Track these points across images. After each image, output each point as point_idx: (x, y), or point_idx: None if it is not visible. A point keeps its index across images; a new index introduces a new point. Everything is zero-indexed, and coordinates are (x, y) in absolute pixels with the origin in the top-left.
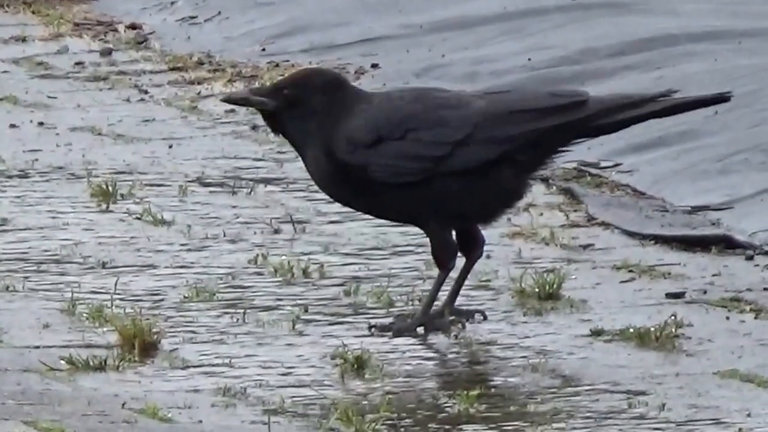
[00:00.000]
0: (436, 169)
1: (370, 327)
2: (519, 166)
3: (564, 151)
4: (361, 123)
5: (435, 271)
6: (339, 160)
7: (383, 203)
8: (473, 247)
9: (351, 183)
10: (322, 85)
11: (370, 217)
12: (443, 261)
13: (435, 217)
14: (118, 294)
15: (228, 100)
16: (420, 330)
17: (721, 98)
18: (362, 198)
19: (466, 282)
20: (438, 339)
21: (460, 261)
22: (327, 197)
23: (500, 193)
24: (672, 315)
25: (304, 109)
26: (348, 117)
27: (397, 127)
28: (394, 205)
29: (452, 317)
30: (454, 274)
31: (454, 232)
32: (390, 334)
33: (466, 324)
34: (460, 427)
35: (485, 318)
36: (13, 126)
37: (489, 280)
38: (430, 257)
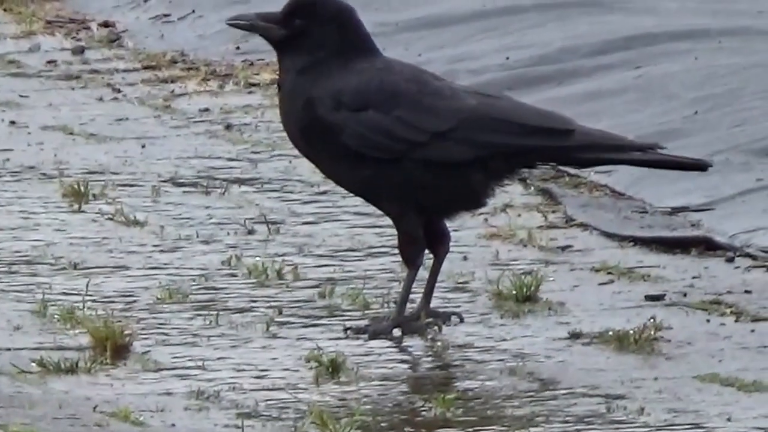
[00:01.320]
0: (408, 154)
1: (346, 329)
2: (490, 172)
3: (536, 168)
4: (353, 85)
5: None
6: (316, 113)
7: (344, 171)
8: (440, 243)
9: (320, 139)
10: (339, 23)
11: (346, 217)
12: (410, 257)
13: (393, 203)
14: (90, 295)
15: (234, 23)
16: (396, 332)
17: (702, 166)
18: (326, 159)
19: (443, 284)
20: (414, 342)
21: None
22: (302, 198)
23: (465, 194)
24: (651, 318)
25: (311, 43)
26: (343, 71)
27: (386, 102)
28: (355, 176)
29: (428, 319)
30: (425, 273)
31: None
32: (365, 336)
33: (443, 326)
34: (436, 431)
35: (462, 321)
36: None
37: (466, 282)
38: None
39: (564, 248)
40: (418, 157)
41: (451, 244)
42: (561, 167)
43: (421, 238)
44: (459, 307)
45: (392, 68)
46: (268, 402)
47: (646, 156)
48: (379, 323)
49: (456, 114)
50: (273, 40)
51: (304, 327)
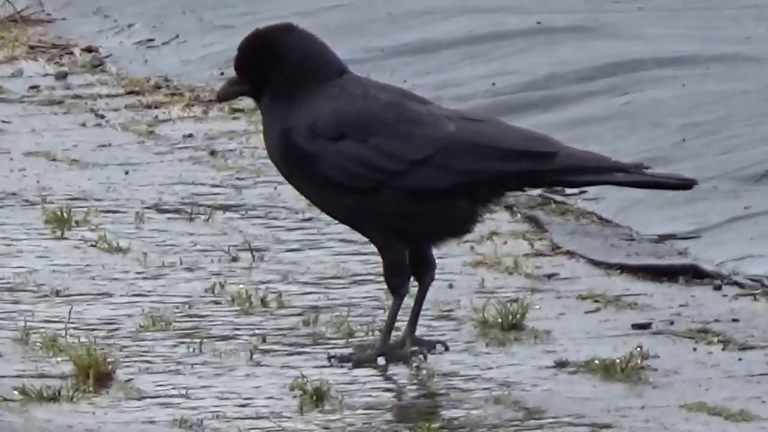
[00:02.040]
0: (387, 183)
1: (330, 357)
2: (473, 199)
3: (523, 192)
4: (328, 113)
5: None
6: (294, 143)
7: (327, 200)
8: (425, 271)
9: (300, 169)
10: (287, 52)
11: (331, 245)
12: (395, 286)
13: (377, 231)
14: (73, 323)
15: (219, 99)
16: (380, 360)
17: (688, 184)
18: (308, 188)
19: (428, 312)
20: (399, 370)
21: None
22: (286, 225)
23: (448, 221)
24: (638, 346)
25: (275, 82)
26: (317, 98)
27: (362, 130)
28: (338, 204)
29: (413, 347)
30: (410, 301)
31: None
32: (350, 365)
33: (428, 355)
34: None
35: (447, 349)
36: None
37: (451, 310)
38: None
39: (550, 276)
40: (398, 186)
41: (436, 272)
42: (547, 191)
43: (406, 266)
44: (444, 335)
45: (368, 93)
46: (252, 431)
47: (631, 177)
48: (363, 351)
49: (434, 141)
50: (248, 95)
51: (288, 355)
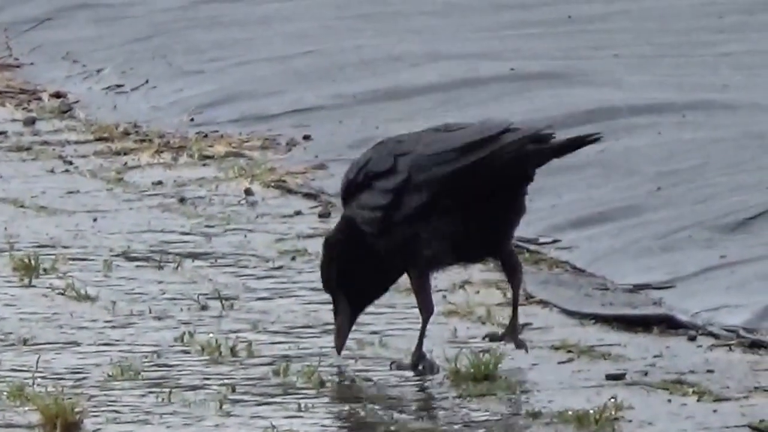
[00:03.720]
0: (390, 218)
1: (391, 364)
2: (460, 209)
3: (511, 194)
4: (345, 173)
5: (366, 351)
6: (343, 214)
7: (376, 253)
8: (512, 274)
9: (357, 237)
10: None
11: (302, 293)
12: (423, 305)
13: (410, 267)
14: (40, 372)
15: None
16: (419, 368)
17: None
18: (371, 251)
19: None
20: (367, 422)
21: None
22: (256, 274)
23: (448, 238)
24: (612, 397)
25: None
26: None
27: (360, 173)
28: (380, 254)
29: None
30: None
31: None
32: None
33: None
34: None
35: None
36: None
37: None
38: (362, 336)
39: (523, 326)
40: (398, 219)
41: (521, 272)
42: (520, 241)
43: (430, 286)
44: (417, 385)
45: (374, 145)
46: None
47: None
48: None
49: (406, 163)
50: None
51: (258, 405)
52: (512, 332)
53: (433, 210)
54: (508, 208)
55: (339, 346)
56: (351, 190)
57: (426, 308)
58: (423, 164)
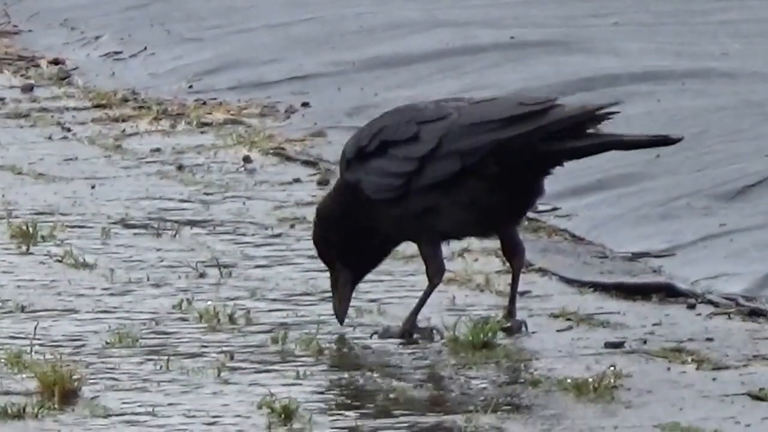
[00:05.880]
0: (409, 186)
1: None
2: (489, 180)
3: (542, 171)
4: (351, 139)
5: (365, 318)
6: (344, 180)
7: (382, 221)
8: (513, 255)
9: (361, 204)
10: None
11: (300, 261)
12: (431, 276)
13: (423, 235)
14: (38, 339)
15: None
16: (406, 336)
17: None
18: (376, 218)
19: None
20: (366, 391)
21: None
22: (254, 241)
23: (473, 207)
24: (611, 365)
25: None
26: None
27: (374, 140)
28: (389, 222)
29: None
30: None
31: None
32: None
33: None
34: None
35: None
36: None
37: (423, 328)
38: (361, 304)
39: (522, 293)
40: (418, 186)
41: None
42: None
43: (441, 259)
44: (414, 353)
45: (386, 111)
46: None
47: (620, 138)
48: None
49: (436, 132)
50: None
51: (256, 372)
52: (509, 316)
53: (461, 180)
54: (531, 187)
55: (341, 315)
56: (359, 156)
57: (435, 274)
58: (459, 133)
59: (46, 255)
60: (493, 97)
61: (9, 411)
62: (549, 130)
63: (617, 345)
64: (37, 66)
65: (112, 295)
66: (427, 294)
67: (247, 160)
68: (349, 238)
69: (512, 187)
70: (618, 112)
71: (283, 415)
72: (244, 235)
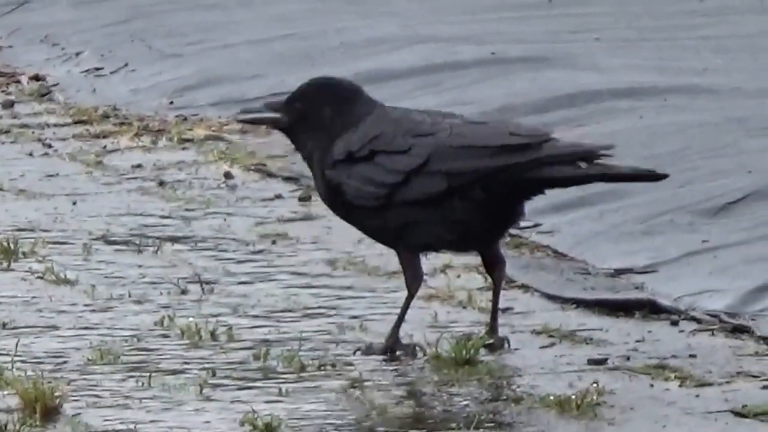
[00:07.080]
0: (391, 198)
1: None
2: (474, 201)
3: (526, 196)
4: (342, 140)
5: (347, 336)
6: (325, 175)
7: (360, 224)
8: (494, 269)
9: (338, 201)
10: (332, 98)
11: (282, 277)
12: (409, 285)
13: (401, 244)
14: (19, 356)
15: (241, 119)
16: (389, 353)
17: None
18: (351, 217)
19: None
20: (351, 407)
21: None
22: (236, 258)
23: (455, 226)
24: (594, 382)
25: (314, 122)
26: (343, 134)
27: (365, 147)
28: (366, 226)
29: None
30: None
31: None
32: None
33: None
34: None
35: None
36: None
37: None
38: (343, 321)
39: (504, 310)
40: (401, 199)
41: (504, 269)
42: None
43: (420, 268)
44: (397, 369)
45: (381, 116)
46: None
47: (607, 170)
48: (371, 345)
49: (426, 149)
50: (280, 128)
51: (238, 389)
52: (492, 332)
53: (445, 199)
54: (513, 209)
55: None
56: (347, 159)
57: (413, 283)
58: (447, 154)
59: (27, 271)
60: (485, 120)
61: None
62: (540, 164)
63: (600, 362)
64: (18, 82)
65: (93, 311)
66: (407, 305)
67: (228, 176)
68: None
69: (495, 210)
70: (611, 156)
71: None
72: (225, 251)
